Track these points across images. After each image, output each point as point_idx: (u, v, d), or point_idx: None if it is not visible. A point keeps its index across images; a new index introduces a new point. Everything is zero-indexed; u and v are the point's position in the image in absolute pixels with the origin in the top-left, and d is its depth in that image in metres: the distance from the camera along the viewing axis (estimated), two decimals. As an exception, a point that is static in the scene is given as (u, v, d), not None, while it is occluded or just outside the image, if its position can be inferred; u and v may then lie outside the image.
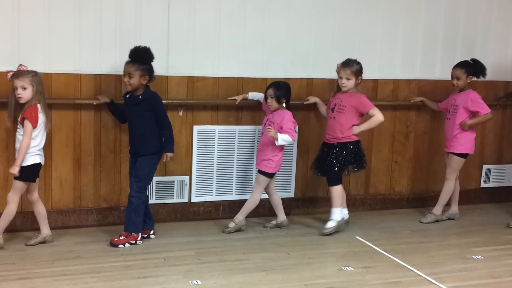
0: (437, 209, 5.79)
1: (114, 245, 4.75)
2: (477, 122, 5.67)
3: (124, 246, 4.76)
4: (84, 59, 4.98)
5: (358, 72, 5.24)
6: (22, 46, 4.79)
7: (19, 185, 4.55)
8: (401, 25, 5.94)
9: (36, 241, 4.71)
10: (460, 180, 5.96)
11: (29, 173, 4.54)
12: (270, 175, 5.25)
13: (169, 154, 4.87)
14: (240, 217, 5.28)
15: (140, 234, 4.86)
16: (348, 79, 5.21)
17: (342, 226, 5.38)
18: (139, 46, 4.74)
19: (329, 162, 5.28)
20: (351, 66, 5.21)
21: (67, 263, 4.41)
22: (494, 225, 5.79)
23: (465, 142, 5.64)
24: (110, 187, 5.22)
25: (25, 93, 4.46)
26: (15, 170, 4.44)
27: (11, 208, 4.57)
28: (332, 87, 5.46)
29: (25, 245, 4.68)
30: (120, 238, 4.78)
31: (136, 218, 4.82)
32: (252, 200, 5.29)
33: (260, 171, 5.25)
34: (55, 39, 4.88)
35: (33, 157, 4.54)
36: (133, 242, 4.81)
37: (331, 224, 5.28)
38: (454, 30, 6.12)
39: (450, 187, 5.75)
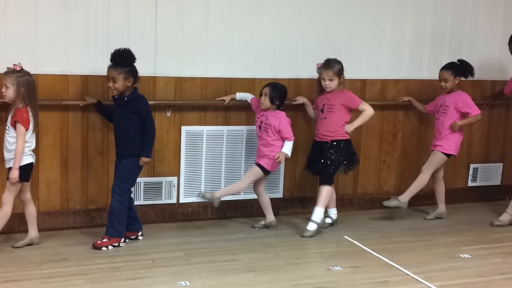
0: (404, 197, 5.68)
1: (97, 247, 4.72)
2: (467, 123, 5.71)
3: (107, 249, 4.73)
4: (71, 60, 4.96)
5: (340, 71, 5.24)
6: (9, 47, 4.76)
7: (15, 187, 4.54)
8: (388, 25, 5.95)
9: (23, 243, 4.68)
10: (447, 179, 6.00)
11: (23, 173, 4.54)
12: (266, 172, 5.27)
13: (144, 159, 4.81)
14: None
15: (122, 238, 4.82)
16: (331, 80, 5.22)
17: (324, 226, 5.39)
18: (119, 49, 4.70)
19: (323, 161, 5.28)
20: (333, 67, 5.21)
21: (54, 265, 4.39)
22: (481, 224, 5.81)
23: (452, 143, 5.67)
24: (98, 189, 5.20)
25: (7, 92, 4.45)
26: (15, 174, 4.44)
27: (7, 209, 4.55)
28: (315, 88, 5.45)
29: (12, 247, 4.65)
30: (103, 240, 4.75)
31: (117, 223, 4.77)
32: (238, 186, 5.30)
33: (258, 164, 5.24)
34: (42, 40, 4.85)
35: (26, 157, 4.53)
36: (116, 244, 4.78)
37: (312, 227, 5.24)
38: (441, 30, 6.15)
39: (424, 179, 5.71)
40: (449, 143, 5.66)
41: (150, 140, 4.81)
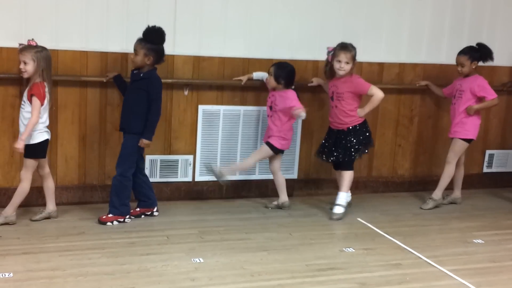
0: (437, 194, 5.79)
1: (102, 222, 4.78)
2: (483, 107, 5.66)
3: (113, 224, 4.78)
4: (91, 37, 4.99)
5: (355, 56, 5.23)
6: (29, 22, 4.80)
7: (31, 163, 4.59)
8: (407, 8, 5.92)
9: (41, 217, 4.76)
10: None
11: (39, 150, 4.59)
12: (275, 150, 5.27)
13: (145, 141, 4.78)
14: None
15: (126, 215, 4.86)
16: (347, 63, 5.18)
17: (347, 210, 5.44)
18: (153, 26, 4.71)
19: (344, 149, 5.28)
20: (351, 50, 5.18)
21: (71, 238, 4.46)
22: (495, 210, 5.82)
23: (470, 128, 5.63)
24: (115, 165, 5.24)
25: (27, 67, 4.47)
26: (20, 144, 4.44)
27: (25, 185, 4.61)
28: (325, 73, 5.38)
29: (30, 220, 4.73)
30: (108, 216, 4.81)
31: (117, 201, 4.80)
32: (245, 163, 5.37)
33: (267, 143, 5.27)
34: (63, 16, 4.88)
35: (41, 134, 4.57)
36: (122, 220, 4.83)
37: (339, 210, 5.29)
38: (461, 14, 6.10)
39: (451, 171, 5.75)
40: (466, 127, 5.62)
41: (153, 122, 4.78)
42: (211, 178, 5.53)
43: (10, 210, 4.64)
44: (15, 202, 4.64)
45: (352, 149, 5.28)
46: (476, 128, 5.68)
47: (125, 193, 4.85)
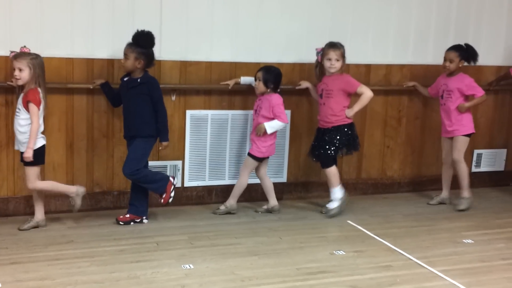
0: (465, 193, 5.76)
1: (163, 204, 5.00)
2: (474, 104, 5.70)
3: (169, 201, 4.95)
4: (77, 43, 4.96)
5: (344, 54, 5.26)
6: (14, 29, 4.77)
7: (33, 171, 4.57)
8: (394, 9, 5.93)
9: (29, 226, 4.72)
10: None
11: (38, 156, 4.57)
12: (258, 159, 5.27)
13: (164, 143, 4.91)
14: (231, 201, 5.33)
15: (171, 179, 4.96)
16: (337, 60, 5.21)
17: (344, 205, 5.42)
18: (143, 30, 4.74)
19: (323, 145, 5.30)
20: (340, 48, 5.24)
21: (60, 247, 4.43)
22: (484, 210, 5.84)
23: (467, 123, 5.68)
24: (103, 172, 5.23)
25: (22, 74, 4.46)
26: (29, 153, 4.46)
27: (44, 187, 4.69)
28: (315, 74, 5.43)
29: (18, 230, 4.69)
30: (163, 197, 4.92)
31: (154, 183, 4.88)
32: (240, 183, 5.32)
33: (248, 154, 5.28)
34: (48, 23, 4.85)
35: (39, 140, 4.57)
36: (172, 193, 4.95)
37: (334, 205, 5.33)
38: (446, 15, 6.13)
39: (464, 168, 5.73)
40: (464, 123, 5.66)
41: (165, 123, 4.89)
42: (200, 183, 5.53)
43: (39, 216, 4.75)
44: (39, 206, 4.73)
45: (332, 146, 5.28)
46: (472, 122, 5.73)
47: (150, 173, 4.91)
